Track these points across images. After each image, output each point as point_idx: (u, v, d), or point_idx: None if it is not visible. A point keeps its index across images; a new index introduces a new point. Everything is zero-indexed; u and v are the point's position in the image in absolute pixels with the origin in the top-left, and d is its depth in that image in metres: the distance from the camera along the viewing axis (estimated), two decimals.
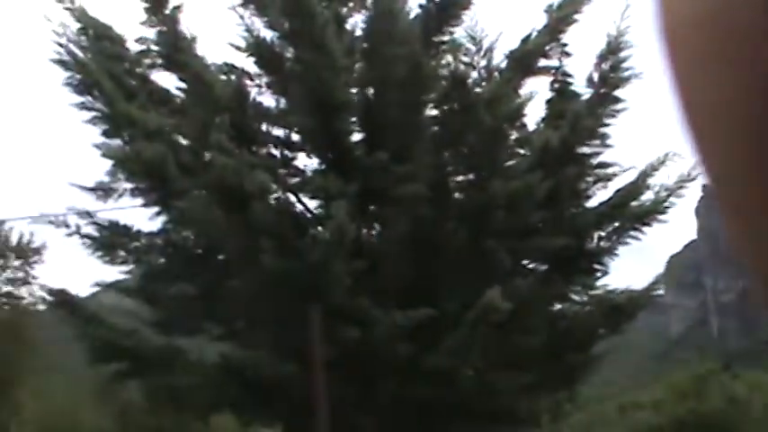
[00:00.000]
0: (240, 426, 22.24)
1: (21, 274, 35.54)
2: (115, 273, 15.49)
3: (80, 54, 14.50)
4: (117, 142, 14.38)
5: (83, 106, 14.36)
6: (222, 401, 15.39)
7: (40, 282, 33.03)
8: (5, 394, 33.58)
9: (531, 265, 15.30)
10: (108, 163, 14.59)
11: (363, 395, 13.78)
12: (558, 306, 15.70)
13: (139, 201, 14.74)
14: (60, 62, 14.31)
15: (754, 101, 0.45)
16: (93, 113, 14.35)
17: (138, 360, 14.82)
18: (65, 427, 35.77)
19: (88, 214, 14.65)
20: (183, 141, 14.59)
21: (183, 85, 15.00)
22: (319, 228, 14.36)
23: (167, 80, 15.58)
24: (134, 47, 15.53)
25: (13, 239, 35.32)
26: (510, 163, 14.71)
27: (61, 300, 15.36)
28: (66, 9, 14.85)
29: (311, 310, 12.81)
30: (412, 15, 14.53)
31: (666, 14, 0.50)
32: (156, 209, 14.56)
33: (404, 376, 13.42)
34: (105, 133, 14.68)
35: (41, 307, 36.05)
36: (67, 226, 14.58)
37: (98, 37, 15.05)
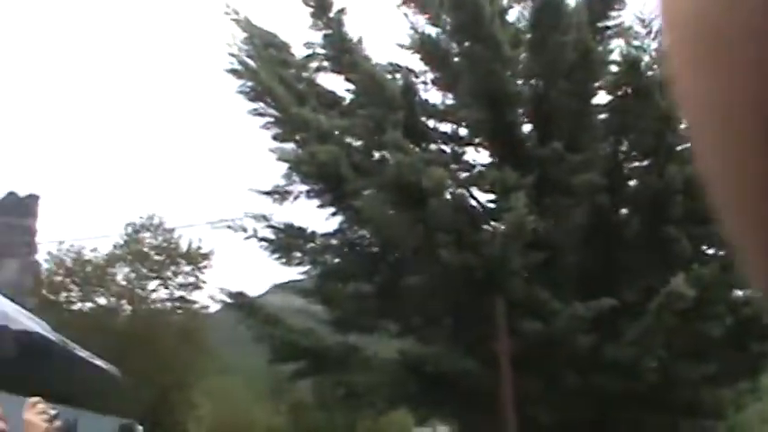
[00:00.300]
0: (416, 422, 22.43)
1: (191, 279, 36.74)
2: (284, 273, 15.80)
3: (250, 62, 14.85)
4: (290, 146, 14.67)
5: (256, 112, 14.73)
6: (400, 398, 15.51)
7: (216, 285, 34.13)
8: (183, 394, 34.75)
9: (711, 251, 14.83)
10: (283, 166, 14.89)
11: (544, 387, 13.62)
12: (740, 292, 15.17)
13: (315, 202, 14.98)
14: (233, 71, 14.71)
15: (752, 102, 0.44)
16: (267, 119, 14.70)
17: (316, 359, 15.07)
18: (238, 424, 36.82)
19: (264, 217, 14.98)
20: (352, 141, 14.77)
21: (351, 87, 15.18)
22: (492, 221, 14.31)
23: (333, 83, 15.83)
24: (299, 52, 15.84)
25: (183, 246, 36.55)
26: (685, 146, 14.31)
27: (240, 302, 15.74)
28: (233, 20, 15.25)
29: (490, 304, 12.76)
30: (577, 2, 14.29)
31: (668, 12, 0.48)
32: (331, 209, 14.79)
33: (585, 368, 13.21)
34: (277, 137, 15.01)
35: (212, 310, 37.33)
36: (245, 230, 14.94)
37: (264, 45, 15.39)
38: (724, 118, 0.46)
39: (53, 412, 4.19)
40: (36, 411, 4.09)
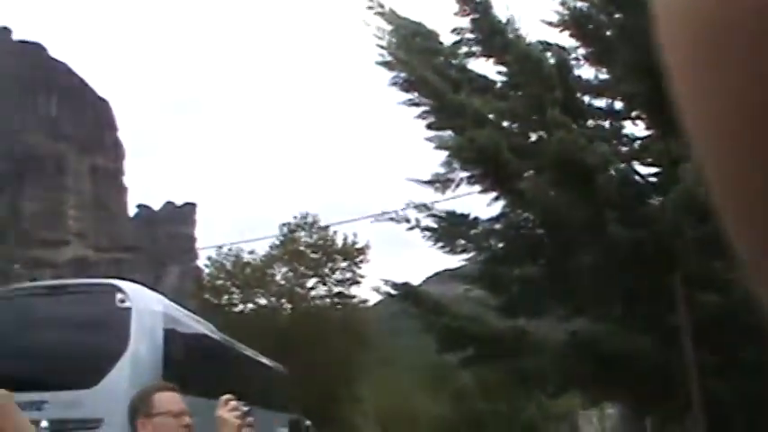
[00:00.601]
0: (585, 404, 22.24)
1: (348, 275, 37.37)
2: (439, 263, 15.77)
3: (400, 53, 14.91)
4: (448, 133, 14.66)
5: (411, 103, 14.77)
6: (571, 381, 15.35)
7: (374, 279, 34.77)
8: (348, 389, 35.35)
9: None
10: (438, 155, 14.90)
11: (723, 362, 13.24)
12: None
13: (476, 188, 14.93)
14: (384, 63, 14.81)
15: (746, 102, 0.43)
16: (422, 108, 14.73)
17: (485, 345, 15.06)
18: (402, 415, 37.21)
19: (426, 207, 15.03)
20: (507, 124, 14.68)
21: (502, 69, 15.05)
22: (655, 195, 14.00)
23: (483, 67, 15.74)
24: (447, 40, 15.80)
25: (339, 242, 37.20)
26: None
27: (405, 292, 15.87)
28: (378, 14, 15.32)
29: (664, 279, 12.47)
30: None
31: (661, 8, 0.47)
32: (493, 194, 14.72)
33: (765, 339, 12.75)
34: (431, 126, 15.01)
35: (370, 303, 37.93)
36: (408, 221, 15.03)
37: (412, 35, 15.42)
38: (720, 118, 0.45)
39: (245, 409, 4.31)
40: (229, 408, 4.21)
